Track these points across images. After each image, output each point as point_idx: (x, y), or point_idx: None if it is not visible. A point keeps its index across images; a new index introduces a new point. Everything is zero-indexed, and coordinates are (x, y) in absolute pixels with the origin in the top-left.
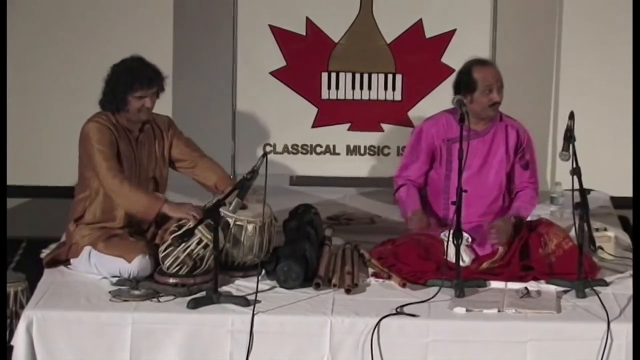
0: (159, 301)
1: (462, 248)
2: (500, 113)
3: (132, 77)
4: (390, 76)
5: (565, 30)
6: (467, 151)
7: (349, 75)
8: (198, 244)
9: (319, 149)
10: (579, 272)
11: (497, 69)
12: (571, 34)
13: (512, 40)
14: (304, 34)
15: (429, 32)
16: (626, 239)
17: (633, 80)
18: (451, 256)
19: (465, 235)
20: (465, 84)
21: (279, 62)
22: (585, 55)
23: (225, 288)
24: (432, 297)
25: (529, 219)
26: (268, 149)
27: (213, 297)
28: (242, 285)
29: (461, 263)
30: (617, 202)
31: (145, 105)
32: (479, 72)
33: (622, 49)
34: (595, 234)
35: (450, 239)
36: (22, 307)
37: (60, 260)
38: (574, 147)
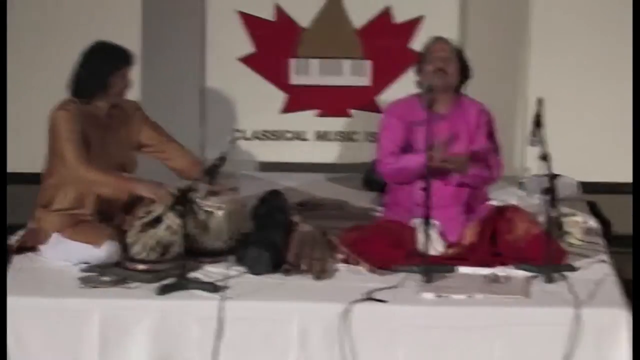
0: (127, 287)
1: (434, 236)
2: (462, 95)
3: (115, 57)
4: (359, 62)
5: (534, 16)
6: (431, 135)
7: (318, 61)
8: (166, 230)
9: (287, 135)
10: (547, 258)
11: (450, 46)
12: (541, 20)
13: (481, 26)
14: (272, 20)
15: (398, 18)
16: (594, 224)
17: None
18: (421, 243)
19: (435, 222)
20: (420, 59)
21: (248, 48)
22: (556, 41)
23: (194, 274)
24: (401, 283)
25: (496, 204)
26: (236, 135)
27: (182, 284)
28: (211, 272)
29: (432, 251)
30: (586, 187)
31: (128, 84)
32: (430, 45)
33: (592, 34)
34: (563, 219)
35: (420, 225)
36: None
37: (29, 247)
38: (543, 132)
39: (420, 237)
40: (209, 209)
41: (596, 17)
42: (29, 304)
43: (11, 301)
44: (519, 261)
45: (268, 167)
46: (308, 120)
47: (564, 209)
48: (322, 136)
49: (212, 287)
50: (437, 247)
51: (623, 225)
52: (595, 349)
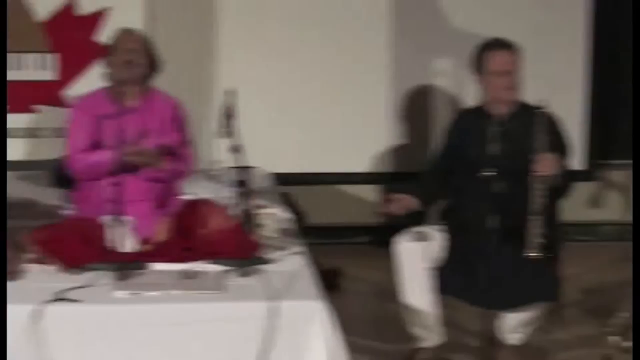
0: None
1: (126, 233)
2: (153, 88)
3: None
4: (43, 56)
5: (223, 7)
6: (121, 129)
7: None
8: None
9: None
10: (241, 251)
11: (139, 37)
12: (230, 10)
13: (169, 17)
14: None
15: (83, 10)
16: (288, 215)
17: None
18: (113, 240)
19: (126, 217)
20: (108, 52)
21: None
22: (246, 33)
23: None
24: (93, 282)
25: (189, 198)
26: None
27: None
28: None
29: (124, 248)
30: (279, 178)
31: None
32: (118, 37)
33: (284, 26)
34: (257, 212)
35: (111, 221)
36: None
37: None
38: (234, 124)
39: (112, 234)
40: None
41: (288, 9)
42: None
43: None
44: (212, 256)
45: None
46: None
47: (258, 201)
48: (8, 133)
49: None
50: (129, 244)
51: (316, 216)
52: (291, 341)
